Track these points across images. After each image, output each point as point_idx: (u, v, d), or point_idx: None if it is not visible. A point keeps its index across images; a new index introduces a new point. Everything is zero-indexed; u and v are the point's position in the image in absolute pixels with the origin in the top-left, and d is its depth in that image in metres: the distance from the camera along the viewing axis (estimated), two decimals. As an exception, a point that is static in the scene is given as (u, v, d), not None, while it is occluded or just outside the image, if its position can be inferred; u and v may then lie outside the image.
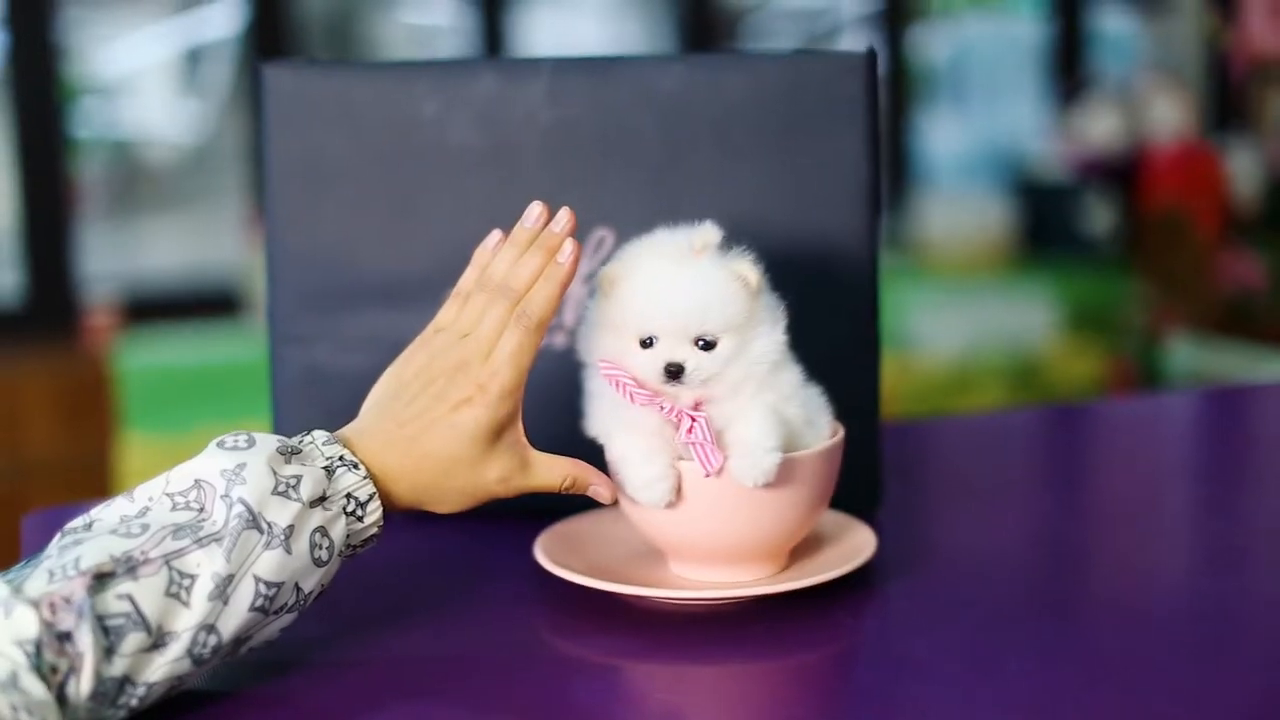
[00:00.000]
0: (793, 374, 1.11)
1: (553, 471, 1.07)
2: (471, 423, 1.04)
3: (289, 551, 0.95)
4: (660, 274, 1.06)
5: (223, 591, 0.92)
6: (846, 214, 1.25)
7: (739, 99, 1.24)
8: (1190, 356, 3.71)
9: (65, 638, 0.85)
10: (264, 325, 3.47)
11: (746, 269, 1.07)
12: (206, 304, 3.85)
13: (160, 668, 0.89)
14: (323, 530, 0.97)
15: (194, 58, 4.39)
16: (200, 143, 4.33)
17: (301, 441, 1.01)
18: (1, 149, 3.70)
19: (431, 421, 1.04)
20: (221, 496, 0.94)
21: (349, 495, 1.00)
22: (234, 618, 0.93)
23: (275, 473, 0.96)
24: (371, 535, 1.02)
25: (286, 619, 0.97)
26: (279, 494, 0.95)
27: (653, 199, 1.24)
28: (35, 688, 0.82)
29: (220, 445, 0.98)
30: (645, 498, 1.07)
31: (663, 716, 0.98)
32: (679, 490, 1.07)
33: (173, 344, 3.57)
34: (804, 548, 1.16)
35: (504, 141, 1.24)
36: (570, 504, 1.17)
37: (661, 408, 1.07)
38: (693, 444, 1.06)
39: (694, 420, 1.06)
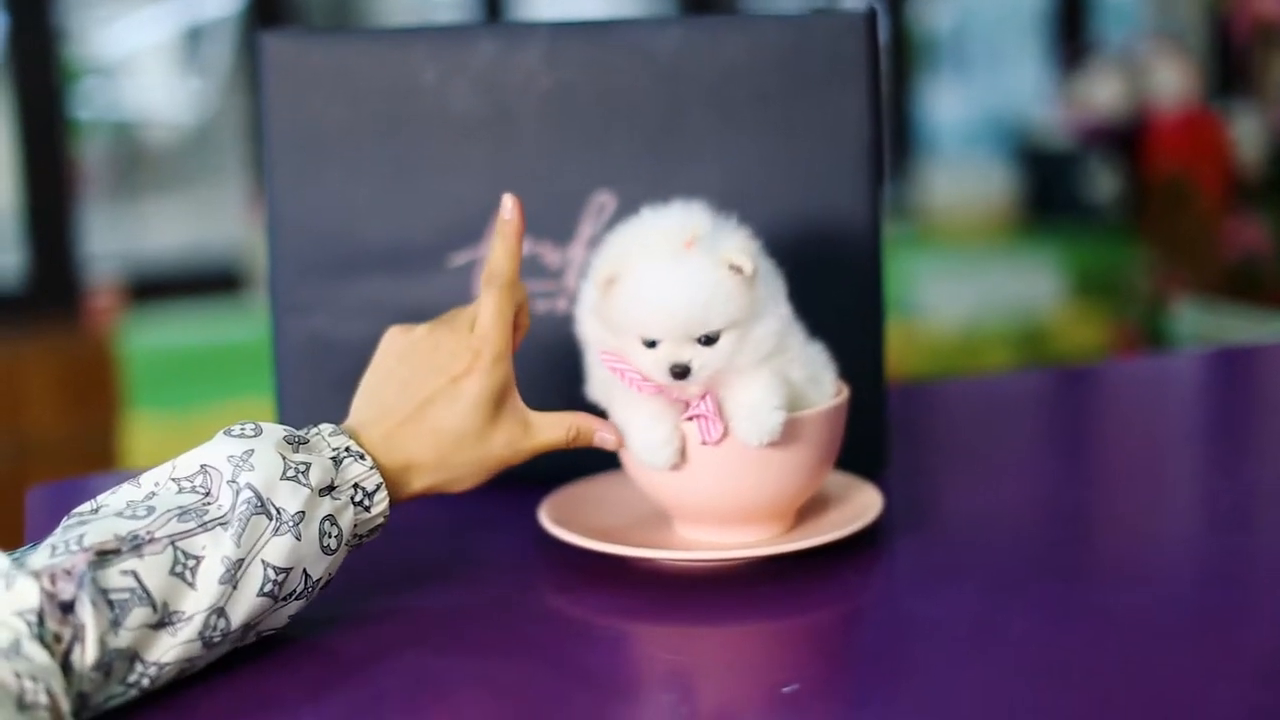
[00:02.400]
0: (796, 336, 1.10)
1: (556, 427, 1.07)
2: (474, 392, 1.03)
3: (298, 538, 0.94)
4: (656, 278, 1.04)
5: (233, 575, 0.92)
6: (848, 175, 1.24)
7: (738, 61, 1.24)
8: (1195, 321, 3.70)
9: (67, 608, 0.85)
10: (267, 304, 3.46)
11: (741, 258, 1.04)
12: (209, 283, 3.85)
13: (172, 649, 0.89)
14: (331, 519, 0.97)
15: (194, 37, 4.39)
16: (201, 122, 4.32)
17: (309, 432, 1.01)
18: (3, 131, 3.69)
19: (430, 400, 1.03)
20: (228, 482, 0.94)
21: (356, 485, 0.99)
22: (243, 602, 0.93)
23: (284, 459, 0.96)
24: (378, 525, 1.02)
25: (295, 606, 0.97)
26: (289, 479, 0.95)
27: (653, 162, 1.23)
28: (38, 654, 0.82)
29: (227, 433, 0.98)
30: (650, 460, 1.07)
31: (669, 677, 0.97)
32: (684, 452, 1.07)
33: (176, 323, 3.57)
34: (810, 508, 1.16)
35: (503, 107, 1.24)
36: (575, 468, 1.17)
37: (669, 393, 1.07)
38: (694, 417, 1.06)
39: (700, 400, 1.06)
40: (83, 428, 3.37)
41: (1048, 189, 4.43)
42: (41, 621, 0.83)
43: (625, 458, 1.10)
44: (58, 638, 0.84)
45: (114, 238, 3.99)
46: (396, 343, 1.07)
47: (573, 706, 0.92)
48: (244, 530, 0.92)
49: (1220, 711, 0.86)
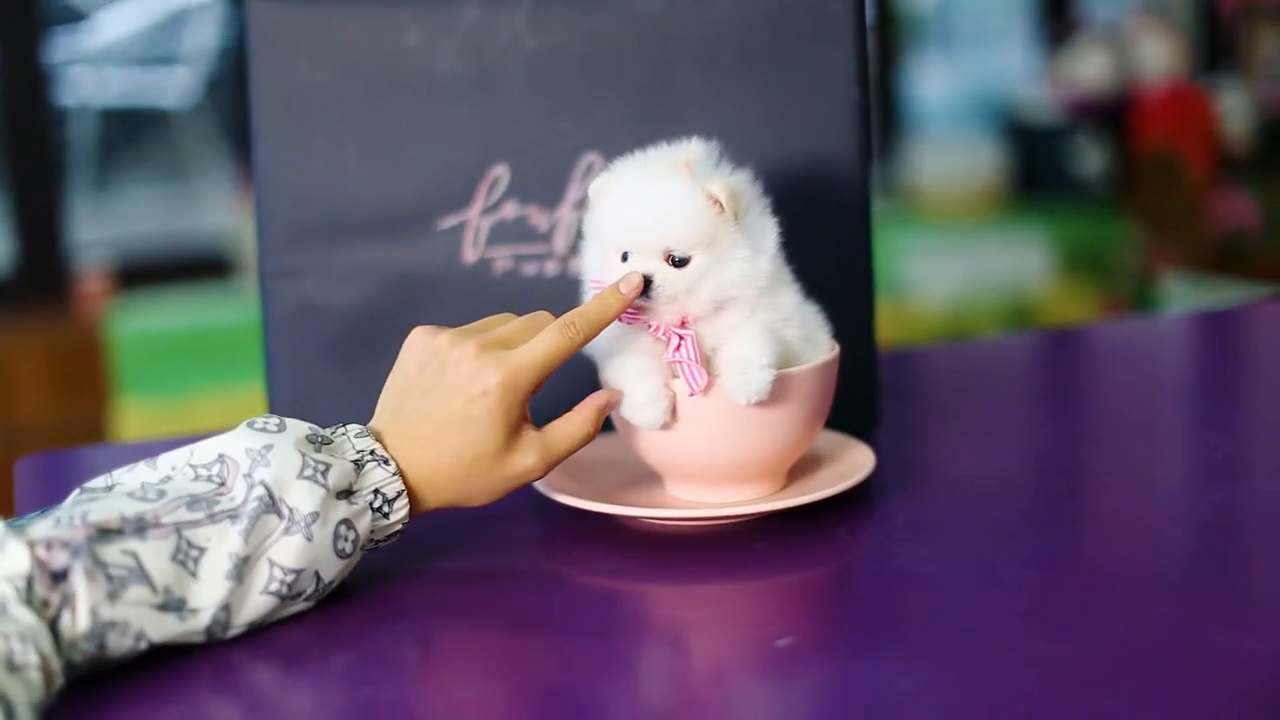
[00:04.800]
0: (790, 294, 1.10)
1: (573, 432, 1.04)
2: (489, 419, 1.00)
3: (310, 539, 0.93)
4: (633, 190, 1.06)
5: (239, 572, 0.91)
6: (837, 133, 1.24)
7: (724, 19, 1.23)
8: (1183, 295, 3.71)
9: (59, 576, 0.84)
10: (255, 288, 3.46)
11: (718, 188, 1.05)
12: (197, 268, 3.84)
13: (175, 634, 0.89)
14: (348, 522, 0.96)
15: (178, 23, 4.37)
16: (186, 108, 4.32)
17: (334, 431, 0.99)
18: (-11, 118, 3.69)
19: (447, 422, 1.00)
20: (244, 475, 0.93)
21: (377, 491, 0.98)
22: (249, 599, 0.92)
23: (304, 456, 0.94)
24: (396, 532, 1.00)
25: (300, 605, 0.95)
26: (305, 478, 0.94)
27: (641, 123, 1.23)
28: (25, 615, 0.82)
29: (250, 425, 0.96)
30: (640, 419, 1.07)
31: (664, 635, 0.97)
32: (674, 411, 1.07)
33: (165, 308, 3.56)
34: (802, 467, 1.16)
35: (489, 69, 1.23)
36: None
37: (648, 325, 1.06)
38: (679, 363, 1.06)
39: (681, 339, 1.06)
40: (72, 413, 3.36)
41: (1035, 165, 4.44)
42: (30, 587, 0.83)
43: (616, 418, 1.10)
44: (45, 603, 0.83)
45: (101, 224, 3.98)
46: (420, 346, 1.03)
47: (567, 664, 0.92)
48: (252, 527, 0.91)
49: (1214, 658, 0.86)
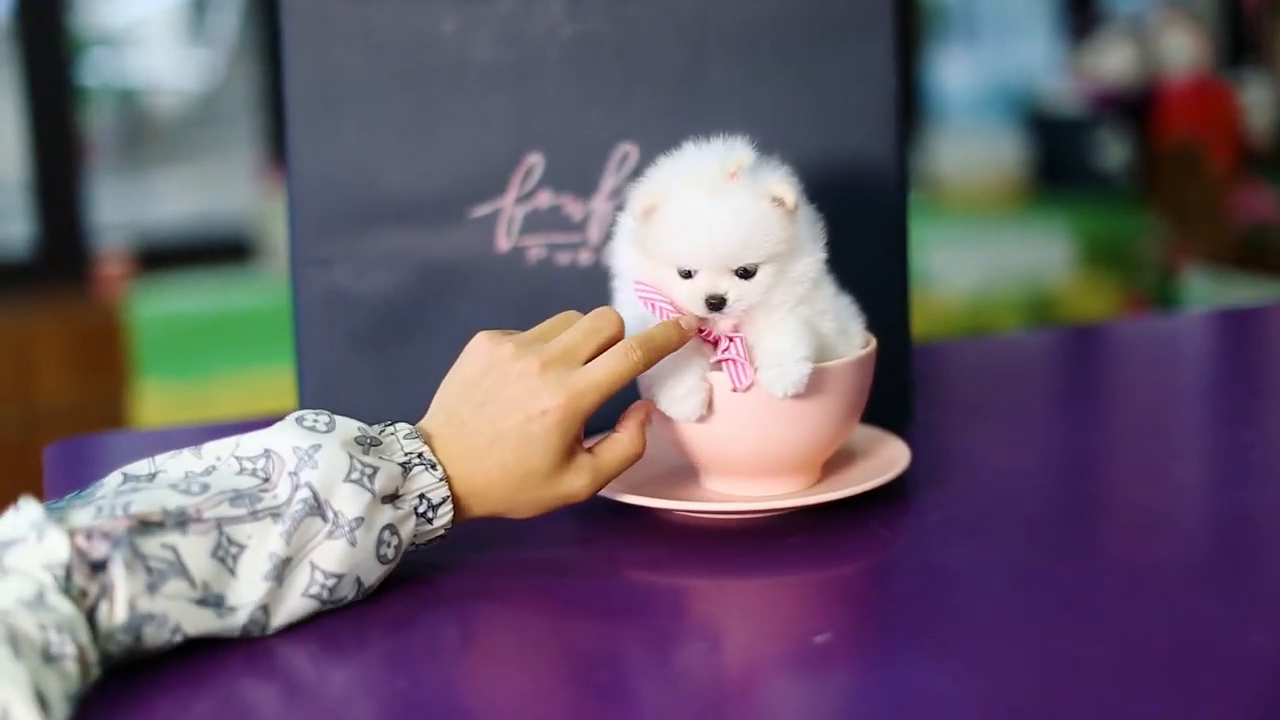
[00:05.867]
0: (828, 288, 1.10)
1: (622, 452, 1.04)
2: (547, 438, 0.99)
3: (353, 544, 0.93)
4: (698, 207, 1.03)
5: (279, 573, 0.90)
6: (873, 125, 1.24)
7: (760, 9, 1.23)
8: (1206, 290, 3.69)
9: (99, 567, 0.84)
10: (276, 271, 3.49)
11: (783, 189, 1.04)
12: (217, 251, 3.84)
13: (212, 630, 0.89)
14: (392, 528, 0.95)
15: (201, 5, 4.37)
16: (209, 90, 4.31)
17: (383, 432, 0.98)
18: (10, 100, 3.68)
19: (502, 435, 0.99)
20: (289, 474, 0.93)
21: (422, 496, 0.97)
22: (289, 601, 0.92)
23: (352, 459, 0.94)
24: (437, 536, 1.00)
25: (332, 606, 0.95)
26: (352, 481, 0.93)
27: (676, 113, 1.22)
28: (63, 605, 0.81)
29: (299, 422, 0.95)
30: (677, 412, 1.06)
31: (700, 629, 0.97)
32: (710, 404, 1.06)
33: (186, 291, 3.56)
34: (837, 461, 1.15)
35: (524, 57, 1.23)
36: (602, 421, 1.16)
37: (699, 330, 1.06)
38: (726, 359, 1.05)
39: (730, 341, 1.05)
40: (92, 396, 3.36)
41: (1058, 158, 4.42)
42: (69, 575, 0.83)
43: (652, 410, 1.09)
44: (84, 593, 0.83)
45: (122, 206, 3.98)
46: (482, 353, 1.02)
47: (604, 657, 0.92)
48: (295, 529, 0.91)
49: (1246, 655, 0.86)
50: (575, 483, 1.02)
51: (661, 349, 1.03)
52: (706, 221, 1.03)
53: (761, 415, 1.06)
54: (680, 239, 1.04)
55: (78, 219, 3.71)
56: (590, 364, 1.01)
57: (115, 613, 0.84)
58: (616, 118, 1.23)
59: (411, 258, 1.23)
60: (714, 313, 1.04)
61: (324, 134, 1.23)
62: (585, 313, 1.06)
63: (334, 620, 0.94)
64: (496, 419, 0.99)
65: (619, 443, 1.04)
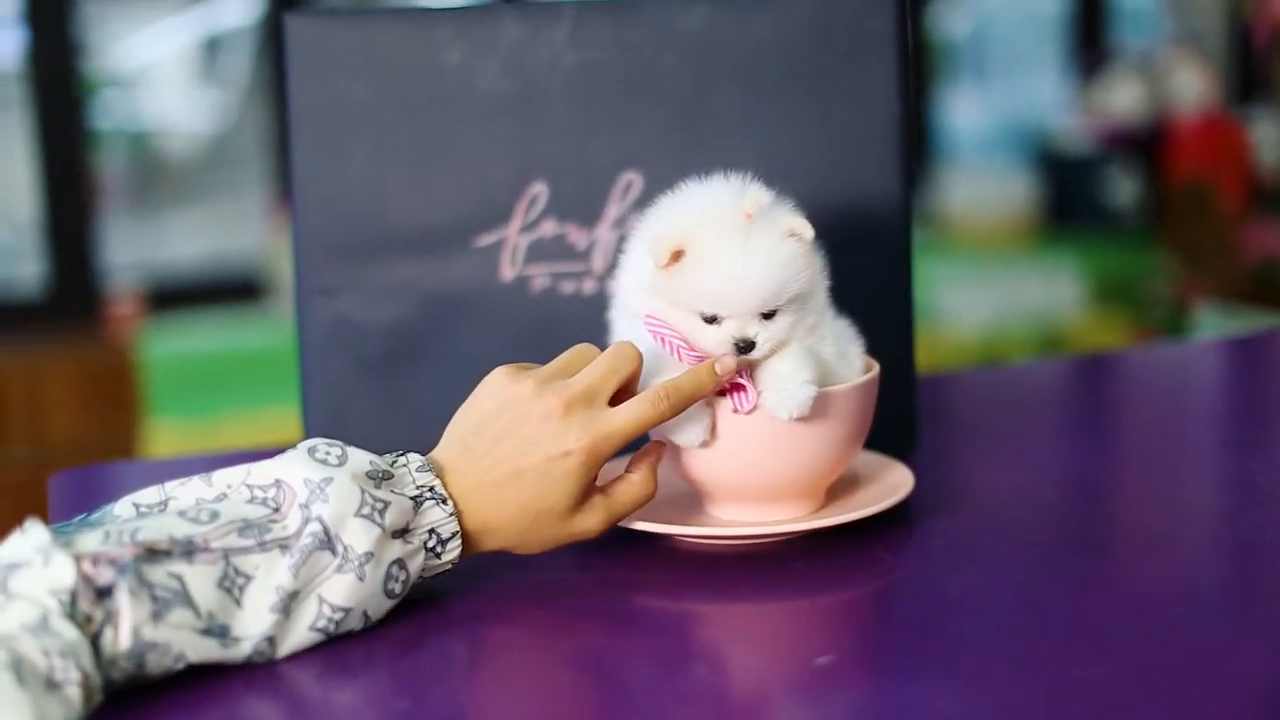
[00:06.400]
0: (827, 311, 1.10)
1: (634, 493, 1.04)
2: (568, 480, 1.00)
3: (362, 578, 0.93)
4: (730, 256, 1.02)
5: (286, 606, 0.90)
6: (878, 153, 1.24)
7: (765, 37, 1.23)
8: (1216, 327, 3.69)
9: (104, 593, 0.84)
10: (287, 311, 3.49)
11: (800, 224, 1.04)
12: (229, 291, 3.85)
13: (215, 658, 0.89)
14: (401, 563, 0.95)
15: (212, 47, 4.39)
16: (220, 132, 4.33)
17: (394, 464, 0.98)
18: (23, 142, 3.70)
19: (521, 473, 0.99)
20: (300, 505, 0.93)
21: (432, 530, 0.97)
22: (295, 634, 0.91)
23: (363, 493, 0.93)
24: (444, 570, 1.00)
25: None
26: (363, 516, 0.93)
27: (680, 141, 1.23)
28: (67, 630, 0.81)
29: (311, 453, 0.95)
30: (681, 438, 1.06)
31: (703, 654, 0.97)
32: (714, 429, 1.06)
33: (197, 331, 3.57)
34: (841, 487, 1.15)
35: (529, 86, 1.23)
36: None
37: (698, 354, 1.05)
38: (732, 386, 1.05)
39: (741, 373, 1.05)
40: (103, 435, 3.37)
41: (1068, 195, 4.42)
42: (74, 601, 0.83)
43: (655, 435, 1.09)
44: (89, 619, 0.83)
45: (134, 247, 3.99)
46: (501, 389, 1.02)
47: (607, 683, 0.92)
48: (304, 563, 0.91)
49: (1250, 676, 0.85)
50: (589, 521, 1.02)
51: (690, 398, 1.03)
52: (739, 269, 1.02)
53: (765, 439, 1.06)
54: (711, 287, 1.03)
55: (89, 259, 3.73)
56: (617, 409, 1.01)
57: (119, 640, 0.84)
58: (620, 146, 1.23)
59: (417, 287, 1.23)
60: (743, 355, 1.04)
61: (329, 163, 1.24)
62: (591, 342, 1.06)
63: (340, 641, 0.94)
64: (516, 456, 0.99)
65: (632, 484, 1.04)
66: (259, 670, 0.90)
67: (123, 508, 0.93)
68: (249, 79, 4.25)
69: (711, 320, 1.04)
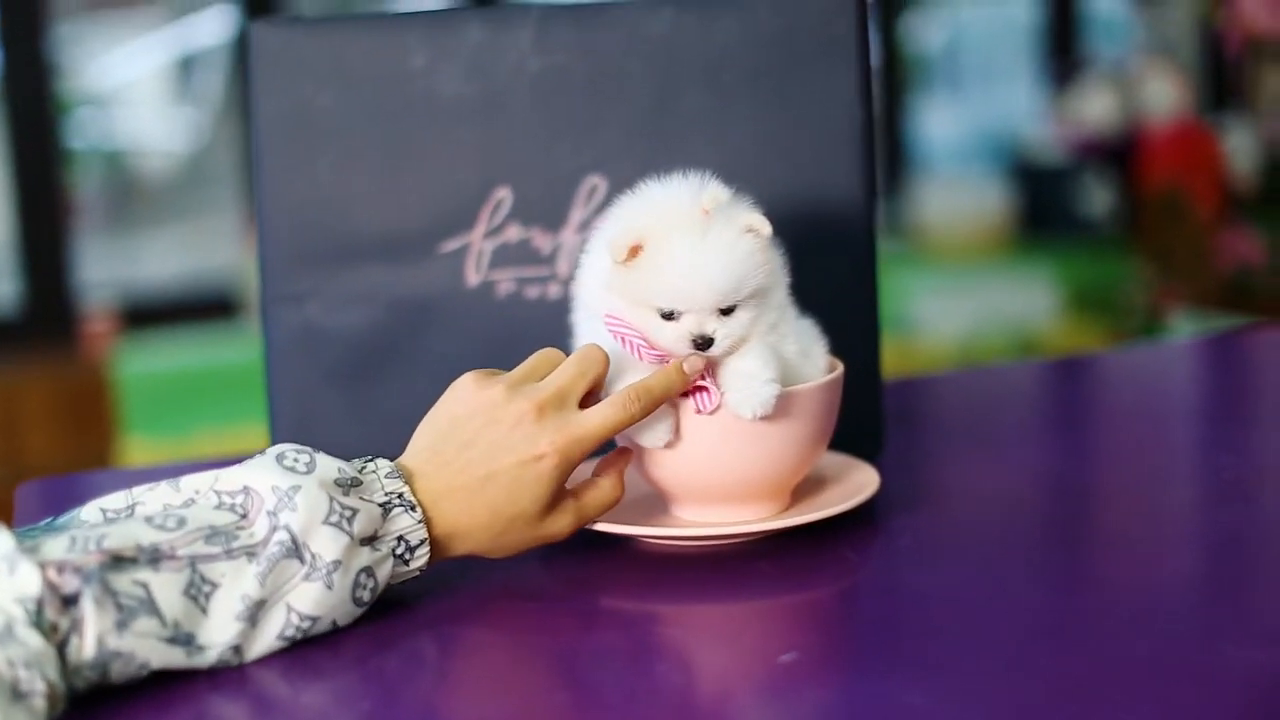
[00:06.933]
0: (789, 310, 1.10)
1: (603, 497, 1.05)
2: (540, 483, 1.00)
3: (330, 586, 0.92)
4: (685, 249, 1.03)
5: (252, 615, 0.90)
6: (841, 154, 1.24)
7: (729, 41, 1.23)
8: (1191, 333, 3.70)
9: (70, 601, 0.83)
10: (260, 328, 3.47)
11: (757, 220, 1.04)
12: (203, 309, 3.85)
13: (180, 666, 0.88)
14: (369, 571, 0.95)
15: (187, 66, 4.39)
16: (194, 151, 4.33)
17: (363, 470, 0.98)
18: (-2, 161, 3.70)
19: (493, 476, 0.99)
20: (268, 513, 0.92)
21: (401, 538, 0.97)
22: (262, 641, 0.91)
23: (331, 500, 0.93)
24: (412, 577, 0.99)
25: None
26: (331, 524, 0.92)
27: (645, 145, 1.23)
28: (33, 639, 0.81)
29: (279, 460, 0.95)
30: (645, 439, 1.06)
31: (668, 654, 0.97)
32: (677, 429, 1.06)
33: (171, 349, 3.57)
34: (807, 487, 1.15)
35: (494, 91, 1.23)
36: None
37: (660, 354, 1.05)
38: (695, 387, 1.05)
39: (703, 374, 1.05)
40: (79, 453, 3.36)
41: (1042, 205, 4.44)
42: (40, 610, 0.82)
43: (620, 437, 1.09)
44: (54, 627, 0.83)
45: (109, 265, 3.99)
46: (470, 394, 1.02)
47: (571, 683, 0.92)
48: (271, 571, 0.90)
49: (1222, 673, 0.85)
50: (558, 524, 1.02)
51: (660, 399, 1.03)
52: (696, 263, 1.02)
53: (729, 439, 1.06)
54: (669, 282, 1.03)
55: (64, 278, 3.72)
56: (588, 412, 1.01)
57: (84, 649, 0.83)
58: (584, 150, 1.23)
59: (382, 293, 1.23)
60: (701, 352, 1.04)
61: (293, 170, 1.24)
62: (557, 346, 1.06)
63: (308, 641, 0.94)
64: (487, 460, 0.99)
65: (602, 489, 1.05)
66: (226, 670, 0.90)
67: (89, 512, 0.93)
68: (223, 98, 4.24)
69: (669, 316, 1.04)
